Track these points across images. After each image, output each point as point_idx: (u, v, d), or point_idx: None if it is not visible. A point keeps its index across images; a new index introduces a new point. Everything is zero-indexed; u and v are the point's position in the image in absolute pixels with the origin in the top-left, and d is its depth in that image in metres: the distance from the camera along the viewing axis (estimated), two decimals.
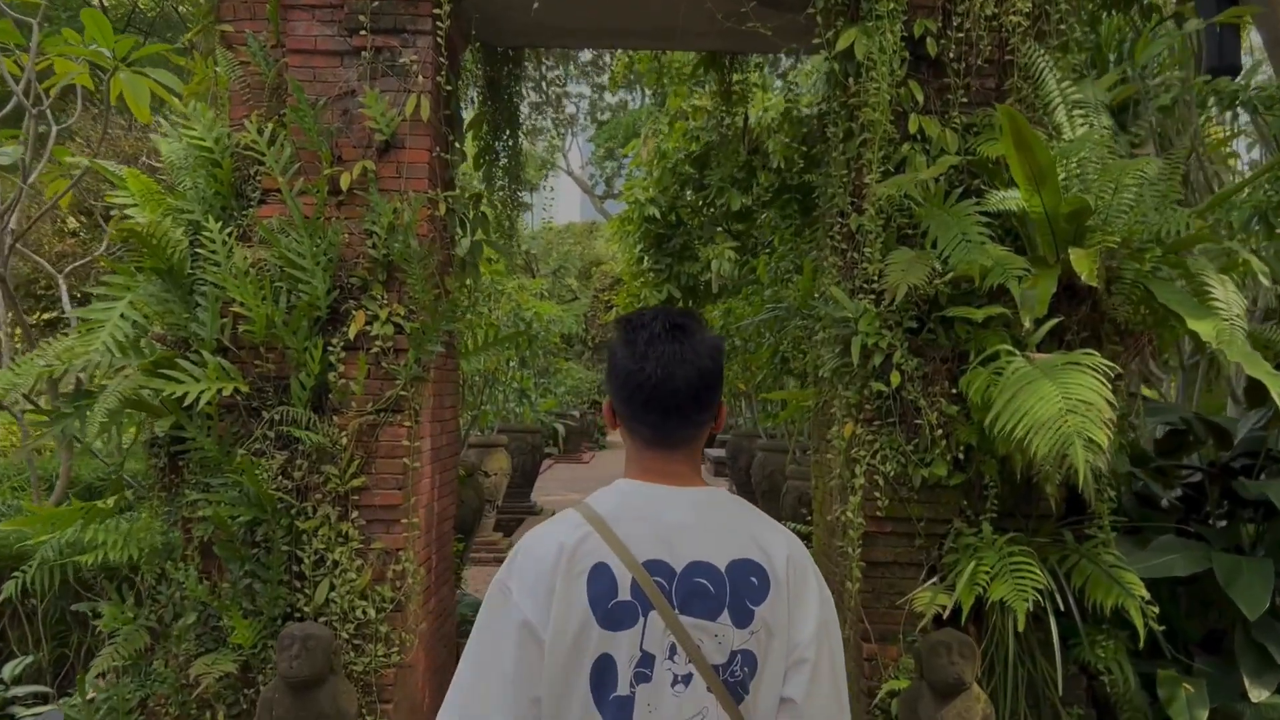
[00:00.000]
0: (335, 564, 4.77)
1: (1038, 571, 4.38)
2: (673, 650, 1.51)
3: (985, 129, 5.01)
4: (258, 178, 5.19)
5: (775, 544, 1.64)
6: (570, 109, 37.07)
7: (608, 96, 37.42)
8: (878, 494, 4.87)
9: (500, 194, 6.13)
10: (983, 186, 5.00)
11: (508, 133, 6.07)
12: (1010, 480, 4.92)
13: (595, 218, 35.23)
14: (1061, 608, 4.58)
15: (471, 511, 8.47)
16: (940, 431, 4.78)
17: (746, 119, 9.28)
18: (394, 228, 4.99)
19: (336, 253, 4.97)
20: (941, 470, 4.80)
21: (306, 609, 4.75)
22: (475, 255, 5.67)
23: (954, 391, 4.87)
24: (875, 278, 4.97)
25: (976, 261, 4.52)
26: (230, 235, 4.99)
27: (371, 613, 4.78)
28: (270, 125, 5.11)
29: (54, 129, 6.15)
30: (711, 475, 19.48)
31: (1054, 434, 3.80)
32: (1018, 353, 4.42)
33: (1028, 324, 4.37)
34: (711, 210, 17.34)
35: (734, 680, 1.54)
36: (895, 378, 4.80)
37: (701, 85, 17.74)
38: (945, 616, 4.63)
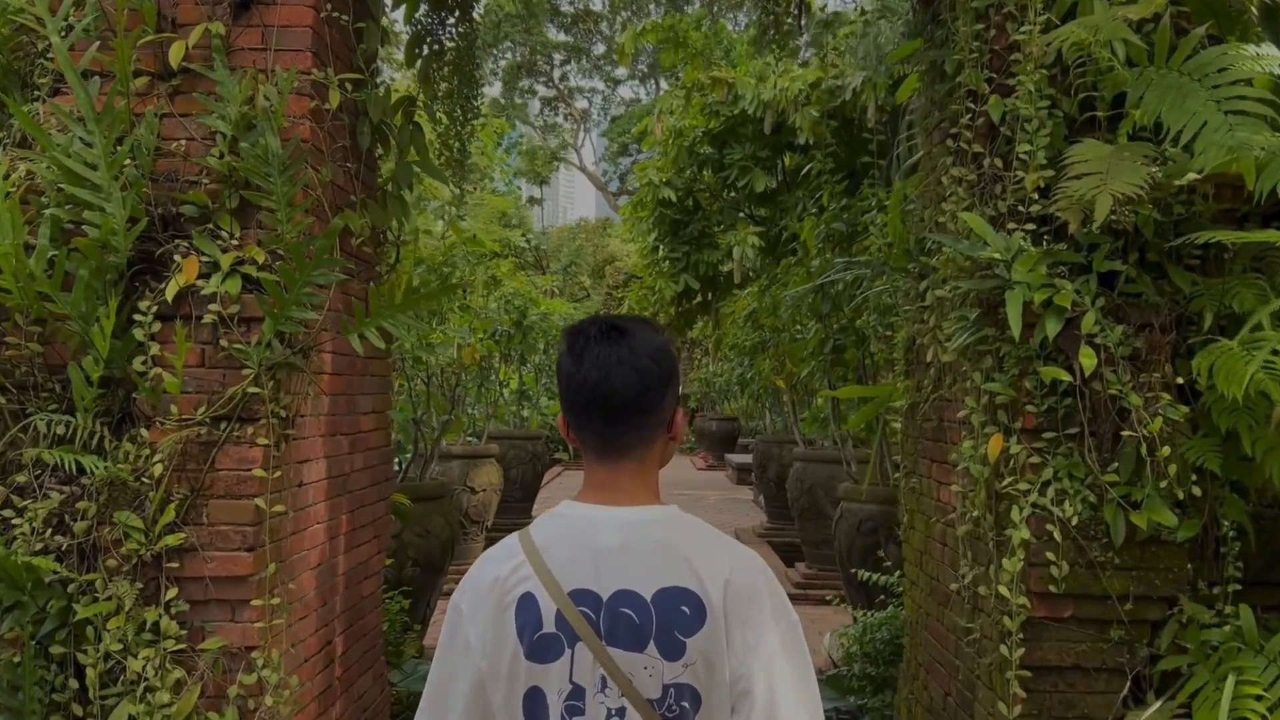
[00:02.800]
0: (138, 678, 2.74)
1: None
2: (604, 683, 1.41)
3: None
4: (50, 56, 3.18)
5: (713, 570, 1.47)
6: (583, 104, 35.23)
7: (622, 91, 35.53)
8: (1051, 554, 2.80)
9: (445, 102, 4.08)
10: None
11: (458, 12, 3.99)
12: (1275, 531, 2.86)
13: (609, 214, 33.30)
14: None
15: (440, 545, 6.44)
16: (1166, 449, 2.70)
17: None
18: (250, 123, 2.98)
19: (150, 163, 2.96)
20: (1163, 514, 2.72)
21: None
22: (403, 182, 3.64)
23: (1179, 381, 2.81)
24: (1035, 195, 2.91)
25: (1245, 152, 2.45)
26: None
27: None
28: None
29: None
30: (733, 484, 17.34)
31: None
32: None
33: None
34: (732, 193, 15.33)
35: (673, 715, 1.43)
36: (1087, 358, 2.72)
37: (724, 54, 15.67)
38: None
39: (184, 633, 2.80)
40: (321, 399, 3.32)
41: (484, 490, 9.12)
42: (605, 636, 1.43)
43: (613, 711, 1.41)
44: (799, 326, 8.87)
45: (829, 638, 5.82)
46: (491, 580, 1.48)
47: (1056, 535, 2.78)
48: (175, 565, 2.81)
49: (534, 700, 1.43)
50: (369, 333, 2.90)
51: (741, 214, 15.52)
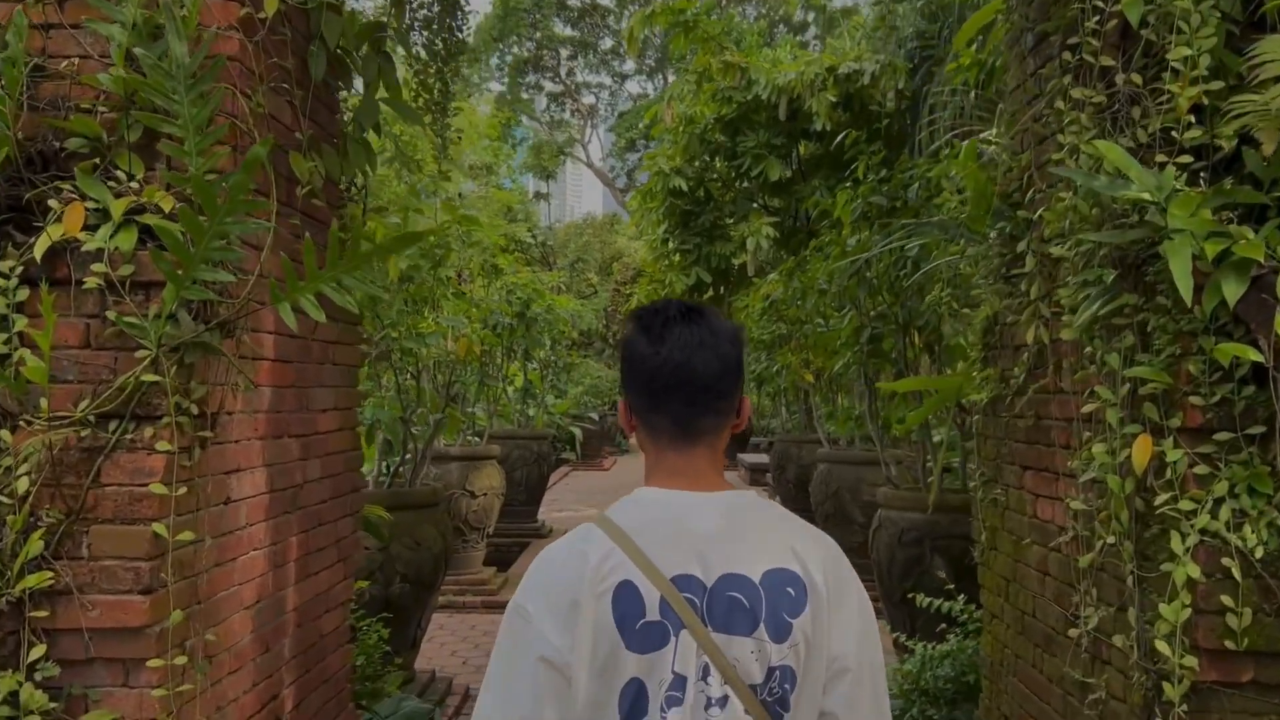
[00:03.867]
0: None
1: None
2: (705, 671, 1.35)
3: None
4: None
5: (811, 551, 1.44)
6: (590, 100, 34.50)
7: (629, 86, 34.80)
8: (1228, 598, 2.03)
9: (424, 31, 3.32)
10: None
11: None
12: None
13: (616, 210, 32.58)
14: None
15: (432, 558, 5.69)
16: None
17: None
18: (155, 29, 2.23)
19: (22, 84, 2.22)
20: None
21: None
22: (366, 123, 2.89)
23: None
24: (1190, 118, 2.15)
25: None
26: None
27: None
28: None
29: None
30: (746, 484, 16.57)
31: None
32: None
33: None
34: (745, 183, 14.56)
35: (773, 698, 1.37)
36: None
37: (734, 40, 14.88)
38: None
39: (55, 705, 2.05)
40: (259, 392, 2.57)
41: (485, 494, 8.36)
42: (711, 623, 1.37)
43: (713, 700, 1.35)
44: (820, 320, 8.13)
45: None
46: (579, 567, 1.38)
47: (1235, 572, 2.02)
48: (43, 614, 2.06)
49: (634, 692, 1.35)
50: (305, 301, 2.16)
51: (755, 204, 14.76)
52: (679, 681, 1.34)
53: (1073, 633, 2.45)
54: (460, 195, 10.96)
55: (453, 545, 8.19)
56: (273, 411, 2.67)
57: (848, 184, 5.83)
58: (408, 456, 5.80)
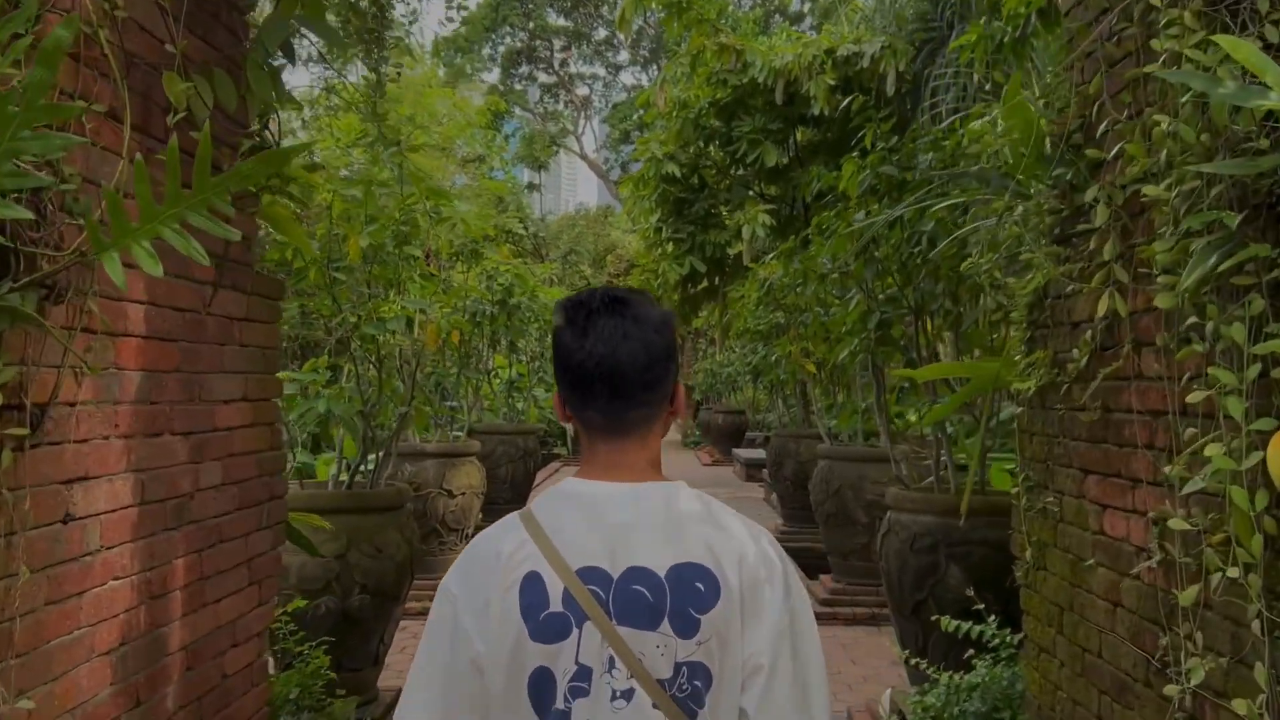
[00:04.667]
0: None
1: None
2: (611, 663, 1.34)
3: None
4: None
5: (727, 545, 1.40)
6: (584, 91, 33.90)
7: (624, 77, 34.21)
8: None
9: None
10: None
11: None
12: None
13: (611, 203, 32.02)
14: None
15: (395, 566, 5.09)
16: None
17: None
18: None
19: None
20: None
21: None
22: (272, 44, 2.29)
23: None
24: None
25: None
26: None
27: None
28: None
29: None
30: (742, 480, 15.98)
31: None
32: None
33: None
34: (740, 169, 13.97)
35: (684, 695, 1.35)
36: None
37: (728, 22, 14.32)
38: None
39: None
40: (120, 377, 1.98)
41: (463, 493, 7.77)
42: (615, 615, 1.35)
43: (619, 693, 1.33)
44: (820, 308, 7.56)
45: (888, 698, 4.48)
46: (492, 559, 1.39)
47: None
48: None
49: (540, 681, 1.34)
50: (137, 250, 1.56)
51: (751, 192, 14.20)
52: (584, 672, 1.33)
53: (1169, 690, 1.86)
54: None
55: (429, 548, 7.62)
56: (144, 403, 2.08)
57: (854, 155, 5.24)
58: (368, 453, 5.21)
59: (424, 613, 6.68)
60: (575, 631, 1.34)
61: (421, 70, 21.20)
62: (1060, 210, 2.43)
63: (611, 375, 1.40)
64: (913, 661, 4.46)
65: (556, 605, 1.34)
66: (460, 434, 8.99)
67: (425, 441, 7.83)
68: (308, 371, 5.36)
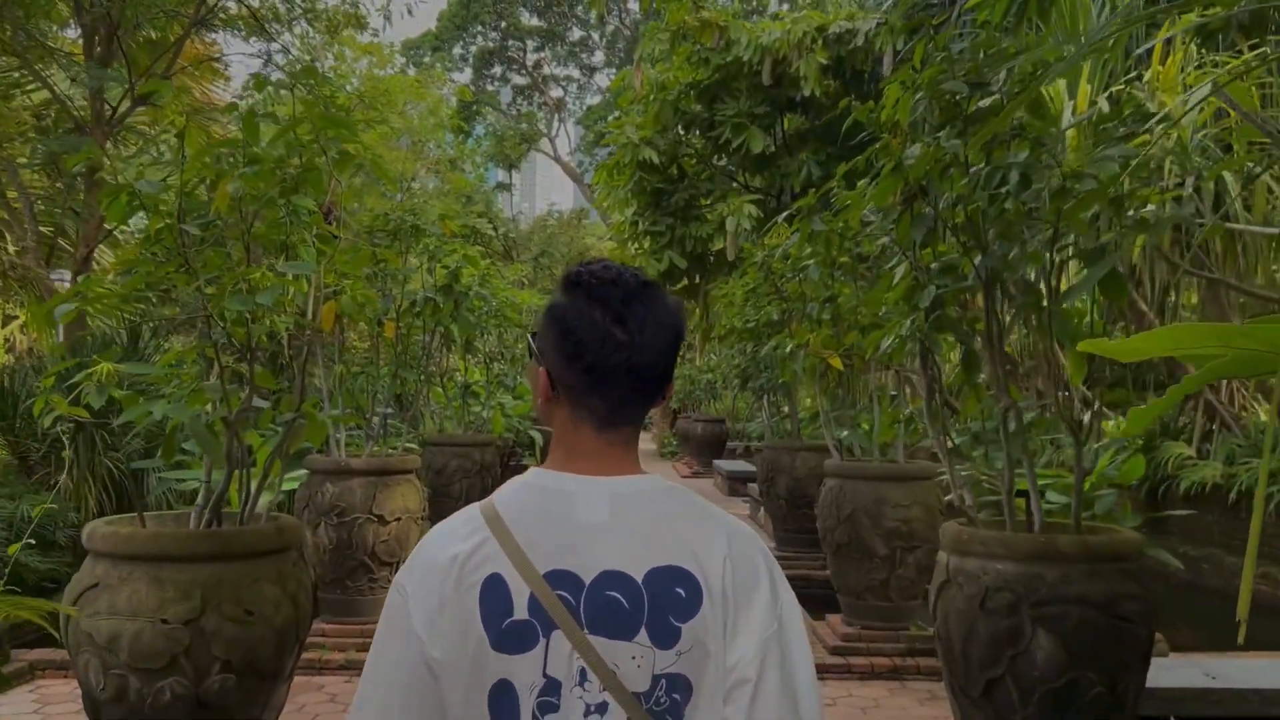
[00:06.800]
0: None
1: None
2: (583, 675, 1.24)
3: None
4: None
5: (710, 546, 1.30)
6: (558, 93, 32.57)
7: (598, 79, 32.95)
8: None
9: None
10: None
11: None
12: None
13: (585, 207, 30.70)
14: None
15: (275, 633, 3.58)
16: None
17: None
18: None
19: None
20: None
21: None
22: None
23: None
24: None
25: None
26: None
27: None
28: None
29: None
30: (724, 494, 14.53)
31: None
32: None
33: None
34: (723, 158, 12.57)
35: (661, 708, 1.26)
36: None
37: None
38: None
39: None
40: None
41: (398, 519, 6.25)
42: (587, 624, 1.25)
43: (592, 707, 1.24)
44: (827, 297, 6.17)
45: None
46: (449, 558, 1.27)
47: None
48: None
49: (502, 695, 1.24)
50: None
51: (735, 182, 12.79)
52: (552, 686, 1.23)
53: None
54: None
55: (356, 585, 6.13)
56: None
57: (897, 81, 3.85)
58: (230, 476, 3.70)
59: (350, 666, 5.36)
60: (542, 641, 1.23)
61: (392, 70, 19.80)
62: None
63: (640, 367, 1.29)
64: None
65: (521, 612, 1.23)
66: (413, 445, 7.51)
67: (353, 456, 6.34)
68: (163, 365, 3.88)
